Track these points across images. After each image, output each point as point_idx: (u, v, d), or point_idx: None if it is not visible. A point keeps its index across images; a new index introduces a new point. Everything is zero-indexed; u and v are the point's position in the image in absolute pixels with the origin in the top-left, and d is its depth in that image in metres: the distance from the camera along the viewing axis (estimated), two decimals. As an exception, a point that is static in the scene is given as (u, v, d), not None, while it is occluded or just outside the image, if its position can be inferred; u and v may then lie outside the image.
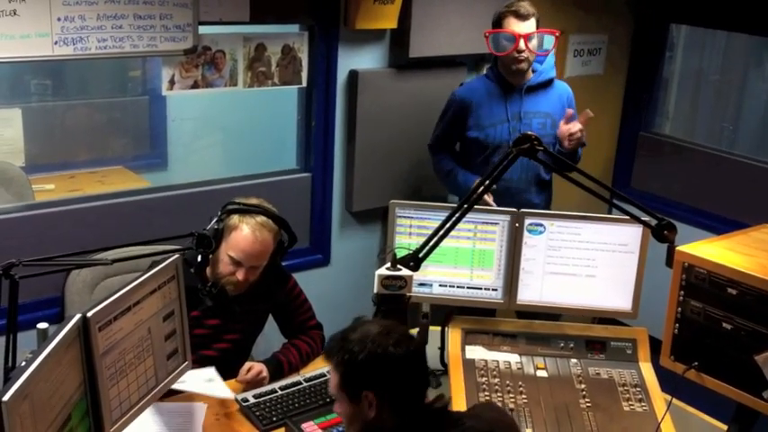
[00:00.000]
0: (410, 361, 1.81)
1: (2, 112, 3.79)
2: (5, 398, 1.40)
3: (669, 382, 2.30)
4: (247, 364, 2.55)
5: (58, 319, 2.81)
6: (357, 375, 1.79)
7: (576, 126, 3.17)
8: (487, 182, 2.25)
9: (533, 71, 3.33)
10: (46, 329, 2.03)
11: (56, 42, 2.80)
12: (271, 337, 2.83)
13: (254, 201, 2.57)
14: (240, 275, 2.49)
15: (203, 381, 2.42)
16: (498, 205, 2.94)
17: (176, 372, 2.12)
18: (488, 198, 3.04)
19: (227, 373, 2.52)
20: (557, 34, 3.25)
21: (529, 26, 3.18)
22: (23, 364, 1.53)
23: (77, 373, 1.71)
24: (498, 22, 3.22)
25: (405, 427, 1.79)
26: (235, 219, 2.49)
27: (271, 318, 2.78)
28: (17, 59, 2.78)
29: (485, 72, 3.46)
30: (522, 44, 3.16)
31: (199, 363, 2.46)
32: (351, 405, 1.81)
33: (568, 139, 3.18)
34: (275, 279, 2.71)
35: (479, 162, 3.33)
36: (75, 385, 1.70)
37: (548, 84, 3.34)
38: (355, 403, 1.79)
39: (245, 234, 2.47)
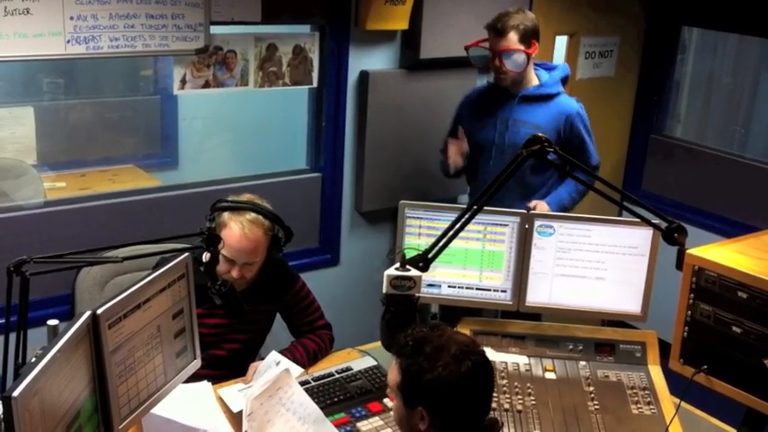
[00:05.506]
0: (477, 390, 1.76)
1: (14, 111, 3.80)
2: (15, 393, 1.40)
3: (678, 386, 2.29)
4: (254, 365, 2.55)
5: (69, 316, 2.81)
6: (418, 390, 1.75)
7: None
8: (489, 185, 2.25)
9: (539, 81, 3.25)
10: (56, 326, 2.04)
11: (68, 41, 2.82)
12: (280, 337, 2.83)
13: (245, 197, 2.55)
14: (235, 273, 2.48)
15: (273, 368, 2.43)
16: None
17: (185, 370, 2.12)
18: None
19: (237, 372, 2.53)
20: (529, 53, 3.11)
21: (506, 41, 3.09)
22: (33, 360, 1.53)
23: (87, 370, 1.72)
24: (488, 34, 3.19)
25: None
26: (224, 217, 2.48)
27: (279, 317, 2.78)
28: (30, 58, 2.80)
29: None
30: (497, 61, 3.12)
31: (209, 362, 2.46)
32: (404, 408, 1.79)
33: None
34: (283, 280, 2.71)
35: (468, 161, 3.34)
36: (85, 382, 1.71)
37: (548, 98, 3.22)
38: (408, 409, 1.77)
39: (235, 232, 2.45)
